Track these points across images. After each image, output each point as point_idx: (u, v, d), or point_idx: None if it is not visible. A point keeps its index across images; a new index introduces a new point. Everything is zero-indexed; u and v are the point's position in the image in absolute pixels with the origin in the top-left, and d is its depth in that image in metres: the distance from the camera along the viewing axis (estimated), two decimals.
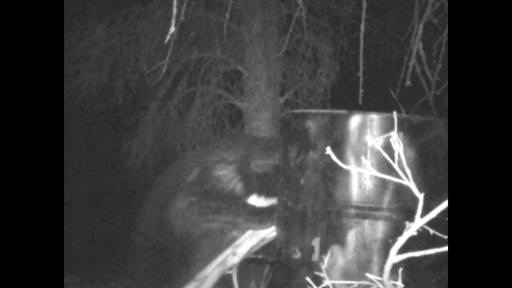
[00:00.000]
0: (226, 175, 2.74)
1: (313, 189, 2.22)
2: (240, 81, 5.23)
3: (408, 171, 1.61)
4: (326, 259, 2.07)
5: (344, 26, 5.42)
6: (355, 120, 2.17)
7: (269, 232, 2.65)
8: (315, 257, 2.18)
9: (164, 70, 3.22)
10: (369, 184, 2.14)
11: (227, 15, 2.97)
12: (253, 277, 3.02)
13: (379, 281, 1.75)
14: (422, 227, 1.60)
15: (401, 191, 2.12)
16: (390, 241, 2.09)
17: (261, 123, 4.94)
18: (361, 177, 2.15)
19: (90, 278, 5.55)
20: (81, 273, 5.50)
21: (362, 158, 2.10)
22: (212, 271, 2.68)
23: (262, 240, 2.69)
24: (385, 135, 1.88)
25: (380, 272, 1.84)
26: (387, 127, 2.11)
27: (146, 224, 2.88)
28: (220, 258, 2.71)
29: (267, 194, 2.69)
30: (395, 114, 1.85)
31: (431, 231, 1.65)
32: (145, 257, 2.84)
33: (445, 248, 1.58)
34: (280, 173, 2.43)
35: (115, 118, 6.15)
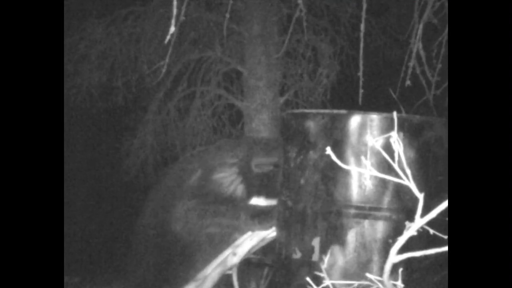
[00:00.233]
0: (227, 178, 2.73)
1: (313, 189, 2.22)
2: (240, 81, 5.23)
3: (408, 171, 1.61)
4: (326, 259, 2.07)
5: (344, 26, 5.42)
6: (355, 120, 2.17)
7: (269, 232, 2.65)
8: (315, 257, 2.19)
9: (164, 70, 3.22)
10: (369, 184, 2.14)
11: (227, 15, 2.97)
12: (253, 277, 3.02)
13: (379, 281, 1.75)
14: (422, 227, 1.60)
15: (401, 191, 2.12)
16: (390, 241, 2.09)
17: (261, 123, 4.94)
18: (361, 177, 2.15)
19: (90, 278, 5.55)
20: (81, 273, 5.50)
21: (362, 158, 2.10)
22: (212, 271, 2.68)
23: (262, 240, 2.69)
24: (385, 135, 1.88)
25: (380, 272, 1.84)
26: (387, 127, 2.11)
27: (146, 225, 2.88)
28: (220, 258, 2.71)
29: (268, 195, 2.69)
30: (395, 114, 1.85)
31: (431, 231, 1.65)
32: (145, 257, 2.85)
33: (445, 248, 1.58)
34: (280, 172, 2.43)
35: (115, 118, 6.14)
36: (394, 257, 1.63)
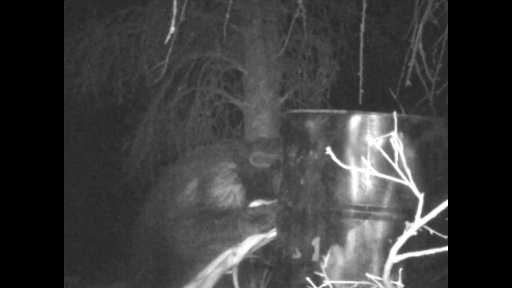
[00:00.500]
0: (225, 189, 2.69)
1: (313, 189, 2.22)
2: (240, 81, 5.23)
3: (408, 171, 1.61)
4: (326, 259, 2.07)
5: (344, 26, 5.42)
6: (355, 120, 2.17)
7: (269, 233, 2.65)
8: (315, 257, 2.18)
9: (164, 70, 3.21)
10: (369, 184, 2.14)
11: (227, 15, 2.97)
12: (253, 277, 3.02)
13: (379, 281, 1.75)
14: (422, 227, 1.60)
15: (401, 191, 2.12)
16: (390, 241, 2.09)
17: (261, 123, 4.94)
18: (361, 177, 2.15)
19: (90, 278, 5.55)
20: (81, 273, 5.50)
21: (362, 158, 2.10)
22: (212, 271, 2.68)
23: (262, 240, 2.69)
24: (385, 135, 1.88)
25: (380, 272, 1.84)
26: (387, 127, 2.11)
27: (145, 226, 2.88)
28: (220, 258, 2.70)
29: (267, 197, 2.67)
30: (395, 114, 1.85)
31: (431, 231, 1.65)
32: (145, 257, 2.84)
33: (445, 248, 1.58)
34: (279, 169, 2.42)
35: (115, 118, 6.15)
36: (394, 257, 1.63)
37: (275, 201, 2.55)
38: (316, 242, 2.19)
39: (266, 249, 2.68)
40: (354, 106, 2.56)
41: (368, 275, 1.83)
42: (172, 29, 2.26)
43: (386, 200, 2.15)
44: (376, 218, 2.15)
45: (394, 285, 1.72)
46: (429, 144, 2.19)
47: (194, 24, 5.19)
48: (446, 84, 3.16)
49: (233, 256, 2.65)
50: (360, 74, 2.93)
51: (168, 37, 2.30)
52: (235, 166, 2.71)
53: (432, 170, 2.19)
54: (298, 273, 2.22)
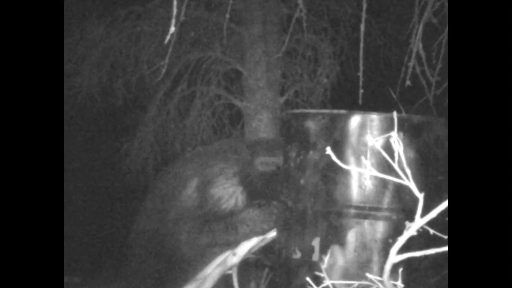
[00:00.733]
0: (227, 190, 2.67)
1: (313, 189, 2.22)
2: (240, 81, 5.22)
3: (408, 171, 1.61)
4: (326, 259, 2.07)
5: (344, 26, 5.42)
6: (355, 120, 2.17)
7: (269, 233, 2.65)
8: (315, 257, 2.18)
9: (164, 70, 3.21)
10: (369, 184, 2.14)
11: (227, 15, 2.97)
12: (253, 277, 3.02)
13: (379, 281, 1.75)
14: (422, 227, 1.60)
15: (401, 191, 2.12)
16: (390, 241, 2.09)
17: (261, 123, 4.93)
18: (361, 177, 2.15)
19: (90, 278, 5.55)
20: (81, 273, 5.50)
21: (362, 158, 2.10)
22: (212, 271, 2.68)
23: (262, 240, 2.68)
24: (385, 135, 1.88)
25: (380, 272, 1.84)
26: (387, 127, 2.11)
27: (145, 226, 2.87)
28: (220, 258, 2.70)
29: (270, 200, 2.65)
30: (395, 114, 1.85)
31: (431, 231, 1.65)
32: (145, 257, 2.84)
33: (445, 248, 1.58)
34: (281, 173, 2.42)
35: (115, 118, 6.14)
36: (394, 257, 1.63)
37: (275, 203, 2.54)
38: (316, 242, 2.19)
39: (266, 249, 2.68)
40: (354, 106, 2.56)
41: (368, 275, 1.83)
42: (172, 29, 2.26)
43: (386, 200, 2.15)
44: (376, 218, 2.15)
45: (394, 285, 1.72)
46: (429, 144, 2.19)
47: (194, 24, 5.19)
48: (446, 84, 3.16)
49: (233, 256, 2.65)
50: (360, 74, 2.93)
51: (168, 37, 2.30)
52: (238, 169, 2.69)
53: (432, 170, 2.19)
54: (298, 273, 2.22)
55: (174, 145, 5.40)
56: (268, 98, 4.96)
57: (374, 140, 2.02)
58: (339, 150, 2.13)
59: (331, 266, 2.13)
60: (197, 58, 5.26)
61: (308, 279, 1.86)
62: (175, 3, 2.28)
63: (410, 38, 3.16)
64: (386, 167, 1.85)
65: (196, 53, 5.23)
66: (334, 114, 2.21)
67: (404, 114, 2.26)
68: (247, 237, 2.64)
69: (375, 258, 2.14)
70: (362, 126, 2.16)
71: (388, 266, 1.65)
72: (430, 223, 1.59)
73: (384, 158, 1.71)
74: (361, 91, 2.96)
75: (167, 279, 2.77)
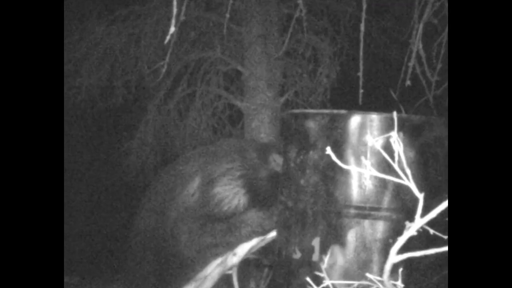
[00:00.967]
0: (229, 191, 2.65)
1: (313, 189, 2.22)
2: (240, 81, 5.23)
3: (408, 171, 1.61)
4: (326, 259, 2.07)
5: (344, 26, 5.42)
6: (355, 120, 2.17)
7: (269, 233, 2.65)
8: (315, 257, 2.18)
9: (164, 70, 3.22)
10: (369, 184, 2.14)
11: (227, 15, 2.97)
12: (253, 277, 3.02)
13: (379, 281, 1.75)
14: (422, 227, 1.60)
15: (401, 191, 2.12)
16: (390, 241, 2.09)
17: (261, 123, 4.94)
18: (361, 177, 2.14)
19: (90, 278, 5.55)
20: (81, 273, 5.50)
21: (362, 158, 2.10)
22: (212, 271, 2.68)
23: (262, 240, 2.69)
24: (385, 135, 1.87)
25: (380, 272, 1.84)
26: (387, 127, 2.11)
27: (145, 225, 2.86)
28: (220, 258, 2.70)
29: (273, 202, 2.63)
30: (395, 114, 1.85)
31: (431, 231, 1.65)
32: (145, 257, 2.84)
33: (445, 248, 1.58)
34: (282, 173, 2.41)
35: (115, 118, 6.15)
36: (394, 257, 1.63)
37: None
38: (316, 242, 2.19)
39: (266, 249, 2.68)
40: (354, 106, 2.56)
41: (368, 275, 1.83)
42: (172, 29, 2.26)
43: (386, 200, 2.15)
44: (376, 218, 2.15)
45: (394, 285, 1.72)
46: (429, 144, 2.19)
47: (194, 24, 5.20)
48: (446, 84, 3.16)
49: (233, 256, 2.65)
50: (360, 74, 2.93)
51: (168, 37, 2.30)
52: (244, 171, 2.66)
53: (432, 170, 2.19)
54: (298, 273, 2.22)
55: (174, 145, 5.41)
56: (268, 98, 4.96)
57: (374, 140, 2.02)
58: (339, 150, 2.13)
59: (331, 266, 2.13)
60: (197, 58, 5.27)
61: (308, 279, 1.86)
62: (175, 3, 2.28)
63: (410, 38, 3.17)
64: (386, 167, 1.86)
65: (196, 53, 5.24)
66: (334, 114, 2.21)
67: (404, 114, 2.26)
68: (249, 238, 2.64)
69: (375, 258, 2.14)
70: (362, 126, 2.16)
71: (388, 266, 1.65)
72: (430, 223, 1.59)
73: (384, 158, 1.71)
74: (361, 91, 2.96)
75: (167, 279, 2.77)
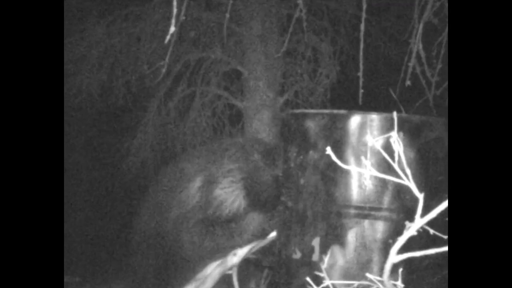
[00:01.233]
0: (230, 194, 2.64)
1: (313, 189, 2.22)
2: (240, 81, 5.22)
3: (408, 171, 1.61)
4: (326, 259, 2.07)
5: (344, 26, 5.42)
6: (355, 120, 2.17)
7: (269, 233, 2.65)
8: (315, 257, 2.18)
9: (164, 70, 3.22)
10: (369, 184, 2.14)
11: (227, 15, 2.97)
12: (253, 277, 3.02)
13: (379, 281, 1.75)
14: (422, 227, 1.60)
15: (401, 191, 2.12)
16: (390, 241, 2.09)
17: (261, 123, 4.93)
18: (361, 177, 2.15)
19: (90, 278, 5.55)
20: (81, 273, 5.50)
21: (362, 158, 2.10)
22: (212, 271, 2.68)
23: (262, 240, 2.69)
24: (385, 135, 1.88)
25: (380, 272, 1.84)
26: (387, 127, 2.11)
27: (145, 225, 2.86)
28: (220, 258, 2.70)
29: (275, 204, 2.62)
30: (395, 114, 1.85)
31: (431, 231, 1.65)
32: (145, 257, 2.84)
33: (445, 248, 1.58)
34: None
35: (115, 118, 6.14)
36: (394, 257, 1.63)
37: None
38: (316, 242, 2.19)
39: (266, 249, 2.68)
40: (354, 106, 2.56)
41: (368, 275, 1.83)
42: (172, 29, 2.26)
43: (386, 200, 2.15)
44: (376, 218, 2.15)
45: (394, 285, 1.72)
46: (429, 144, 2.19)
47: (194, 24, 5.19)
48: (446, 84, 3.16)
49: (233, 256, 2.65)
50: (360, 74, 2.93)
51: (168, 37, 2.30)
52: (247, 174, 2.64)
53: (432, 170, 2.19)
54: (298, 273, 2.22)
55: (174, 145, 5.40)
56: (268, 98, 4.96)
57: (374, 140, 2.02)
58: (339, 150, 2.13)
59: (331, 266, 2.13)
60: (197, 58, 5.26)
61: (308, 279, 1.86)
62: (175, 3, 2.28)
63: (410, 38, 3.17)
64: (386, 167, 1.86)
65: (196, 53, 5.23)
66: (334, 114, 2.21)
67: (404, 114, 2.26)
68: (250, 242, 2.64)
69: (375, 258, 2.14)
70: (362, 126, 2.16)
71: (388, 266, 1.65)
72: (430, 223, 1.59)
73: (384, 158, 1.71)
74: (361, 91, 2.96)
75: (167, 279, 2.77)
